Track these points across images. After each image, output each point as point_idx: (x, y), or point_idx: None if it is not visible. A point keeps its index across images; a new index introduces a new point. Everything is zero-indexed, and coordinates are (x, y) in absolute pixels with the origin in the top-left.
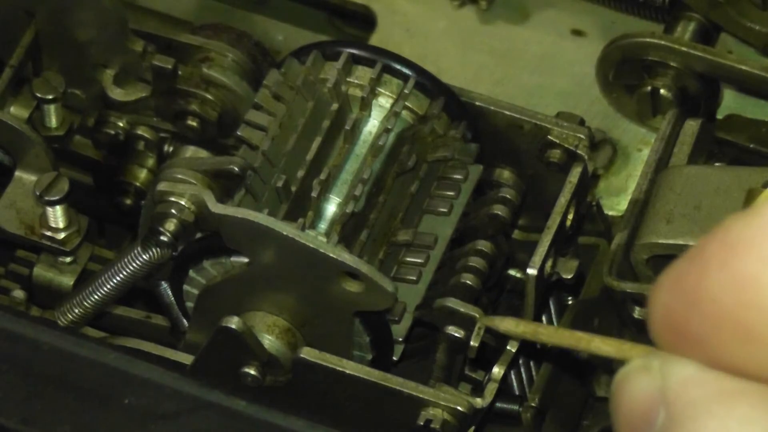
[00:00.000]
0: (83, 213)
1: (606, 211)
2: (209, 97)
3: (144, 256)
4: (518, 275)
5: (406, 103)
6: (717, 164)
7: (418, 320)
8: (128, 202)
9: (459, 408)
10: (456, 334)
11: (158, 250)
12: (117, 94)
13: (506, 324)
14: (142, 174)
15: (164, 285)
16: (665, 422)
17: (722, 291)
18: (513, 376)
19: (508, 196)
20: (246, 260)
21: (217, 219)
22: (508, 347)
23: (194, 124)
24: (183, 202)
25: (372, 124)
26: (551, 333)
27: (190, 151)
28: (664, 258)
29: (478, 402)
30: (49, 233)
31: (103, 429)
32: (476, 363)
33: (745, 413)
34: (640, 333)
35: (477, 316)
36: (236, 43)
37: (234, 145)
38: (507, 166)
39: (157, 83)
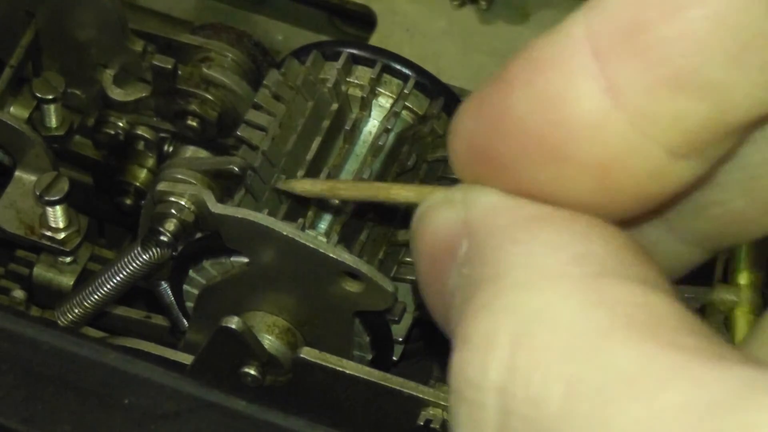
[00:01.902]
0: (83, 213)
1: None
2: (209, 97)
3: (144, 256)
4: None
5: (406, 103)
6: None
7: (418, 320)
8: (128, 202)
9: None
10: None
11: (158, 250)
12: (117, 94)
13: (302, 184)
14: (142, 174)
15: (164, 285)
16: (468, 253)
17: (527, 110)
18: None
19: None
20: (246, 260)
21: (217, 219)
22: None
23: (194, 124)
24: (183, 202)
25: (372, 124)
26: (348, 186)
27: (190, 151)
28: None
29: None
30: (49, 233)
31: (103, 429)
32: None
33: (549, 238)
34: None
35: None
36: (236, 43)
37: (234, 145)
38: None
39: (157, 83)
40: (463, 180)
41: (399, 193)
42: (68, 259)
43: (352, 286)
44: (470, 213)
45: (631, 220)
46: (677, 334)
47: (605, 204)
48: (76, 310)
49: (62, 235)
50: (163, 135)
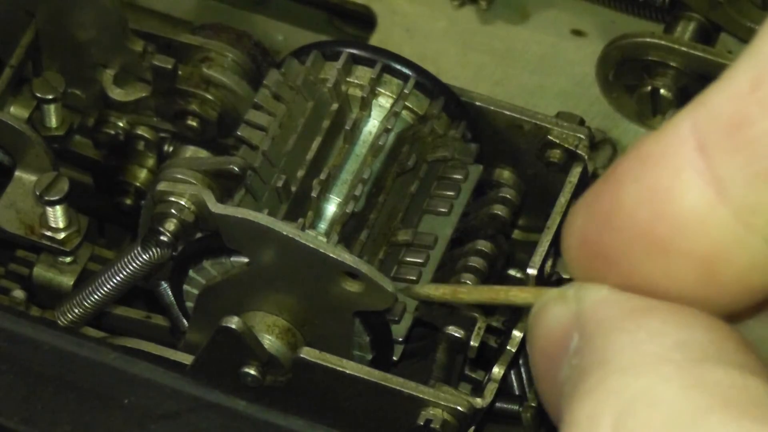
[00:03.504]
0: (83, 213)
1: None
2: (209, 97)
3: (144, 256)
4: (518, 275)
5: (406, 103)
6: None
7: (418, 320)
8: (128, 202)
9: (459, 408)
10: (456, 334)
11: (158, 250)
12: (117, 94)
13: (426, 290)
14: (142, 174)
15: (164, 285)
16: (579, 344)
17: (636, 204)
18: (513, 376)
19: (508, 196)
20: (246, 260)
21: (217, 219)
22: (508, 347)
23: (194, 124)
24: (183, 202)
25: (372, 124)
26: (470, 290)
27: (190, 151)
28: None
29: (478, 402)
30: (49, 233)
31: (103, 429)
32: (476, 363)
33: (654, 326)
34: None
35: (477, 316)
36: (236, 43)
37: (234, 145)
38: (507, 166)
39: (157, 83)
40: (574, 276)
41: (517, 295)
42: (68, 259)
43: (352, 286)
44: (581, 307)
45: (736, 314)
46: None
47: (710, 296)
48: (76, 310)
49: (62, 235)
50: (163, 135)
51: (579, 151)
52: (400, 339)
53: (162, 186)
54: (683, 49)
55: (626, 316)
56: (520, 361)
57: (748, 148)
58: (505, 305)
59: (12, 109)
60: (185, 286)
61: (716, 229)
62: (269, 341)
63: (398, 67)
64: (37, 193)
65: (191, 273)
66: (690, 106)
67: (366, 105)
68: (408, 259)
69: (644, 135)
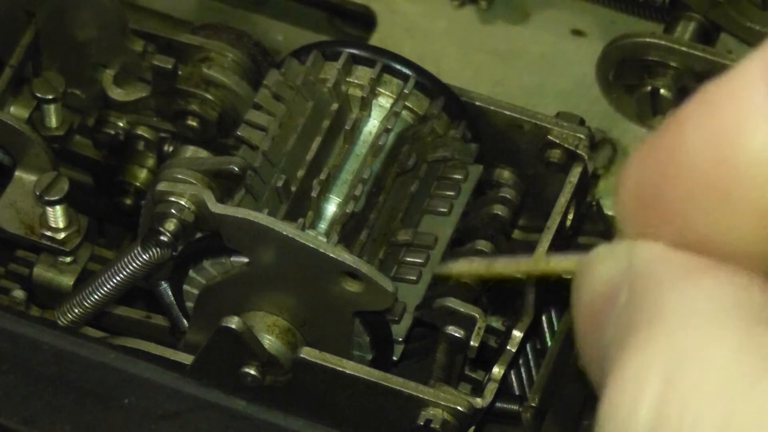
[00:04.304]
0: (83, 213)
1: (606, 211)
2: (209, 97)
3: (144, 256)
4: (518, 275)
5: (406, 103)
6: None
7: (418, 320)
8: (128, 202)
9: (459, 408)
10: (456, 334)
11: (158, 250)
12: (117, 94)
13: (459, 266)
14: (142, 174)
15: (164, 285)
16: (627, 300)
17: (698, 151)
18: (513, 376)
19: (508, 196)
20: (246, 260)
21: (217, 219)
22: (508, 347)
23: (194, 124)
24: (183, 202)
25: (372, 124)
26: (506, 263)
27: (190, 151)
28: None
29: (478, 402)
30: (49, 233)
31: (103, 429)
32: (476, 363)
33: (708, 286)
34: None
35: (477, 316)
36: (236, 43)
37: (234, 145)
38: (507, 166)
39: (157, 83)
40: (627, 231)
41: (558, 263)
42: (68, 259)
43: (352, 286)
44: (633, 264)
45: None
46: None
47: None
48: (76, 310)
49: (62, 235)
50: (163, 135)
51: (579, 151)
52: (400, 339)
53: (162, 186)
54: (683, 49)
55: (680, 275)
56: (520, 361)
57: None
58: (545, 276)
59: (12, 109)
60: (185, 286)
61: None
62: (269, 341)
63: (398, 67)
64: (37, 193)
65: (191, 273)
66: (761, 48)
67: (366, 105)
68: (408, 259)
69: (710, 81)
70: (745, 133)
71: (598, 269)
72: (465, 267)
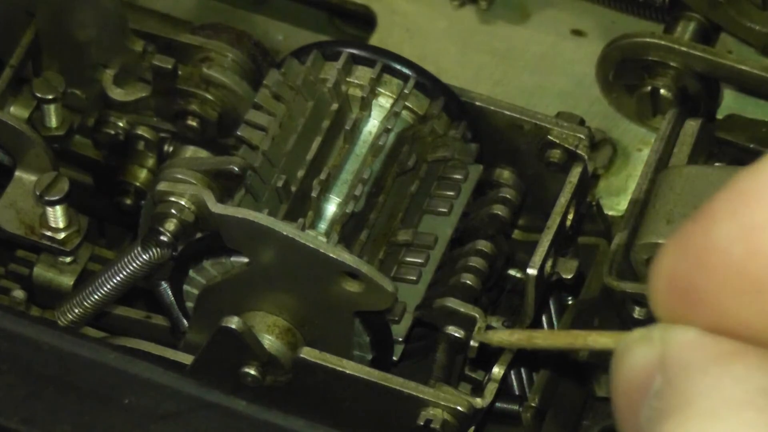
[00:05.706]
0: (83, 213)
1: (606, 211)
2: (209, 97)
3: (144, 256)
4: (518, 275)
5: (406, 103)
6: (717, 164)
7: (418, 320)
8: (128, 202)
9: (459, 408)
10: (456, 334)
11: (158, 250)
12: (117, 94)
13: (499, 336)
14: (142, 174)
15: (164, 285)
16: (661, 386)
17: (730, 242)
18: (513, 376)
19: (508, 196)
20: (246, 260)
21: (217, 219)
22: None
23: (194, 124)
24: (183, 202)
25: (372, 124)
26: (546, 336)
27: (190, 151)
28: None
29: (478, 402)
30: (49, 233)
31: (103, 429)
32: (476, 363)
33: (739, 371)
34: None
35: (477, 316)
36: (236, 43)
37: (234, 145)
38: (507, 166)
39: (157, 83)
40: (661, 318)
41: (597, 340)
42: (68, 259)
43: (352, 286)
44: (667, 349)
45: None
46: None
47: None
48: (76, 310)
49: (62, 235)
50: (163, 135)
51: (579, 151)
52: (400, 339)
53: (162, 186)
54: (683, 49)
55: (712, 360)
56: (520, 361)
57: None
58: (584, 350)
59: (12, 109)
60: (185, 286)
61: None
62: (269, 341)
63: (398, 67)
64: (37, 193)
65: (191, 273)
66: None
67: (366, 105)
68: (408, 259)
69: (741, 170)
70: None
71: (634, 353)
72: (506, 337)
